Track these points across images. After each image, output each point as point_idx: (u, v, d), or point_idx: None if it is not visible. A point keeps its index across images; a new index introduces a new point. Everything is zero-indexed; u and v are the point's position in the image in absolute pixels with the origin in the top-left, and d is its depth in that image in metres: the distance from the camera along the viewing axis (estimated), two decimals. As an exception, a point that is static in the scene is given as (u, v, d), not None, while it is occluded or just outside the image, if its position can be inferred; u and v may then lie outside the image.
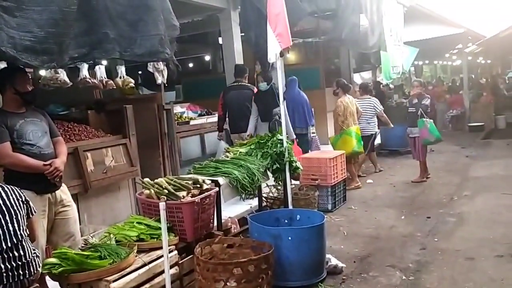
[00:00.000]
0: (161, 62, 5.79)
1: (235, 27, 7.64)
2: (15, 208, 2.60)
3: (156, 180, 3.82)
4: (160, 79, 5.85)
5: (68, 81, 4.68)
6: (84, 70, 4.91)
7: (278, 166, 4.60)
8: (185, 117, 6.67)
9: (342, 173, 6.18)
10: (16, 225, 2.55)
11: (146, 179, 3.88)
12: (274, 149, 4.62)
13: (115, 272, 2.83)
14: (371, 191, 6.94)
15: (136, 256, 3.08)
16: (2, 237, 2.48)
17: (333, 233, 4.97)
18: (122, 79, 5.42)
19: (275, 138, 4.74)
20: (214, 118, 7.06)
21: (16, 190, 2.70)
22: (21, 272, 2.55)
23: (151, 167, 5.90)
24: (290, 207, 4.70)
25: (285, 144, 4.66)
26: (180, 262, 3.42)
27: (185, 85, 12.65)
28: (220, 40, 13.04)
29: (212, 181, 3.98)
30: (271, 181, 5.13)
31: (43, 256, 3.13)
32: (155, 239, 3.39)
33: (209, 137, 6.85)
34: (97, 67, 5.16)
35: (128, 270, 2.93)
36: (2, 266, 2.48)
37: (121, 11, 3.80)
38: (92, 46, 3.58)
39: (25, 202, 2.70)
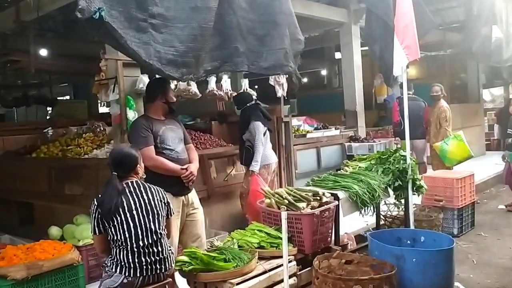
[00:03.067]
0: (282, 76, 5.98)
1: (355, 41, 7.58)
2: (158, 208, 2.82)
3: (276, 190, 3.89)
4: (280, 92, 6.02)
5: (198, 93, 5.01)
6: (212, 83, 5.24)
7: (400, 183, 4.39)
8: (302, 130, 6.72)
9: (471, 195, 5.67)
10: (156, 224, 2.77)
11: (267, 188, 3.97)
12: (397, 166, 4.42)
13: (238, 275, 2.92)
14: (504, 217, 6.25)
15: (257, 262, 3.15)
16: (144, 234, 2.71)
17: (460, 260, 4.55)
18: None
19: (397, 154, 4.54)
20: (331, 132, 7.02)
21: (161, 191, 2.92)
22: (158, 267, 2.76)
23: (267, 178, 6.05)
24: (412, 227, 4.44)
25: (408, 160, 4.43)
26: (298, 273, 3.41)
27: (300, 99, 12.79)
28: (337, 55, 13.09)
29: (332, 194, 3.93)
30: (389, 199, 4.91)
31: (176, 254, 3.36)
32: (275, 248, 3.43)
33: (325, 150, 6.82)
34: (223, 80, 5.47)
35: (250, 275, 3.00)
36: (143, 260, 2.70)
37: (250, 27, 3.99)
38: (224, 60, 3.81)
39: (166, 204, 2.92)
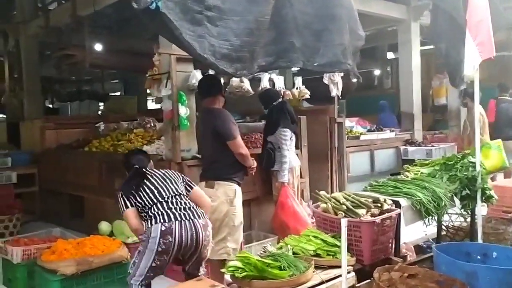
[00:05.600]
0: (337, 74, 5.72)
1: (415, 39, 7.18)
2: (173, 178, 3.15)
3: (333, 194, 3.66)
4: (334, 92, 5.74)
5: (251, 90, 4.84)
6: (265, 80, 5.05)
7: (469, 192, 4.03)
8: (355, 131, 6.41)
9: (545, 208, 5.16)
10: (175, 186, 3.08)
11: (323, 192, 3.74)
12: (465, 173, 4.06)
13: (294, 285, 2.72)
14: None
15: (314, 271, 2.93)
16: (166, 191, 3.02)
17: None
18: (298, 90, 5.45)
19: (465, 160, 4.17)
20: (386, 135, 6.67)
21: (175, 172, 3.28)
22: (190, 213, 2.96)
23: (318, 180, 5.80)
24: (480, 241, 4.06)
25: (477, 168, 4.06)
26: (357, 285, 3.17)
27: (349, 100, 12.38)
28: (388, 55, 12.56)
29: (393, 201, 3.65)
30: (452, 209, 4.54)
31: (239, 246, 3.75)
32: (331, 256, 3.21)
33: (379, 154, 6.48)
34: (276, 77, 5.27)
35: (307, 285, 2.80)
36: (172, 207, 2.94)
37: (307, 21, 3.76)
38: (278, 55, 3.60)
39: (183, 180, 3.22)
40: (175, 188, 3.08)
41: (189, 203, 3.04)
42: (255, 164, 3.84)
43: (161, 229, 2.81)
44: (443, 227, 4.75)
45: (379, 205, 3.49)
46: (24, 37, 7.46)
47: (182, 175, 3.27)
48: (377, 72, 12.96)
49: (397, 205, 3.65)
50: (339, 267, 3.08)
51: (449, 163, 4.23)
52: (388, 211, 3.50)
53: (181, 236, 2.85)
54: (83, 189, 5.86)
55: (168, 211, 2.91)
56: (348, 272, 3.07)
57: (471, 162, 4.14)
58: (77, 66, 8.08)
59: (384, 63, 12.86)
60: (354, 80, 4.98)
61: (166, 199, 2.98)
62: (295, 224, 4.37)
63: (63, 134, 6.86)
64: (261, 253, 3.15)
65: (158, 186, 3.04)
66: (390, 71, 11.64)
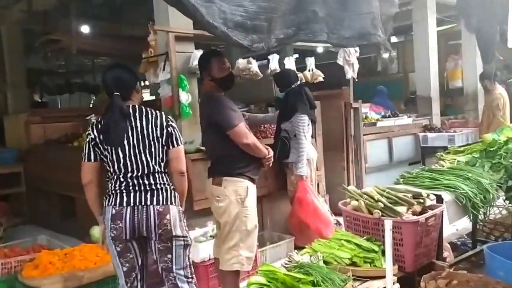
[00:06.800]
0: (352, 54, 5.16)
1: (431, 16, 6.63)
2: (153, 137, 2.46)
3: (364, 190, 3.13)
4: (350, 73, 5.19)
5: (260, 73, 4.27)
6: (275, 62, 4.47)
7: (515, 182, 3.51)
8: (371, 118, 5.88)
9: None
10: (148, 156, 2.44)
11: (351, 187, 3.22)
12: (510, 160, 3.55)
13: (333, 305, 2.19)
14: None
15: (352, 285, 2.41)
16: (134, 167, 2.43)
17: None
18: (311, 72, 4.89)
19: (510, 146, 3.65)
20: (403, 121, 6.15)
21: (163, 116, 2.51)
22: (149, 198, 2.42)
23: (332, 172, 5.27)
24: (528, 238, 3.56)
25: (525, 154, 3.55)
26: (402, 298, 2.65)
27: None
28: (393, 39, 11.97)
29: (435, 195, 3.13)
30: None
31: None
32: (369, 264, 2.69)
33: (397, 141, 5.95)
34: (286, 58, 4.69)
35: (348, 304, 2.27)
36: (131, 190, 2.42)
37: (331, -14, 3.22)
38: (299, 27, 3.04)
39: (169, 132, 2.51)
40: (148, 159, 2.44)
41: (155, 184, 2.45)
42: (271, 154, 3.11)
43: (111, 213, 2.40)
44: (480, 222, 4.24)
45: (421, 201, 2.97)
46: (6, 24, 6.86)
47: (171, 126, 2.52)
48: (385, 55, 12.30)
49: (439, 199, 3.13)
50: (380, 277, 2.59)
51: (491, 149, 3.71)
52: (431, 207, 2.98)
53: (132, 222, 2.39)
54: (74, 189, 5.24)
55: (124, 190, 2.42)
56: (393, 284, 2.56)
57: (518, 148, 3.62)
58: (63, 52, 7.45)
59: (377, 49, 12.27)
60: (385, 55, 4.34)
61: (128, 177, 2.43)
62: (316, 223, 3.85)
63: (51, 128, 6.27)
64: (286, 264, 2.63)
65: (127, 152, 2.42)
66: (397, 55, 11.05)
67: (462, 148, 4.08)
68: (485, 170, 3.58)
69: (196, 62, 3.81)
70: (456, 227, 4.55)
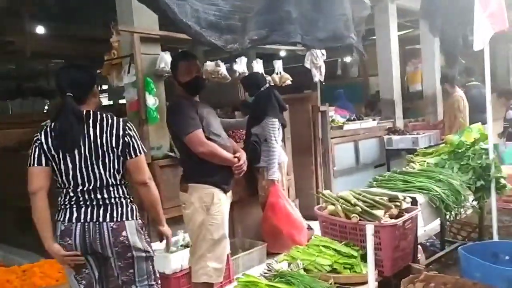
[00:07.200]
0: (319, 57, 5.16)
1: (393, 21, 6.76)
2: (108, 146, 2.25)
3: (340, 194, 3.07)
4: (317, 77, 5.18)
5: (228, 76, 4.16)
6: (243, 64, 4.38)
7: (483, 183, 3.58)
8: (337, 121, 5.89)
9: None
10: (101, 168, 2.24)
11: (327, 191, 3.16)
12: (478, 161, 3.61)
13: (318, 316, 2.11)
14: None
15: (335, 293, 2.34)
16: (85, 179, 2.24)
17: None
18: (279, 75, 4.83)
19: (477, 147, 3.73)
20: (368, 124, 6.22)
21: (121, 123, 2.30)
22: (102, 214, 2.24)
23: (301, 176, 5.23)
24: (496, 237, 3.64)
25: (491, 155, 3.62)
26: (383, 303, 2.61)
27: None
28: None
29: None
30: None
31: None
32: (348, 270, 2.63)
33: (363, 144, 6.00)
34: (254, 61, 4.62)
35: (333, 314, 2.19)
36: (82, 205, 2.24)
37: (305, -14, 3.16)
38: (272, 28, 2.95)
39: (125, 141, 2.29)
40: (101, 171, 2.24)
41: (108, 197, 2.26)
42: (241, 162, 2.96)
43: (60, 229, 2.23)
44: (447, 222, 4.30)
45: (398, 204, 2.95)
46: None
47: (128, 135, 2.29)
48: (343, 60, 12.51)
49: (413, 202, 3.13)
50: (362, 283, 2.53)
51: (459, 151, 3.77)
52: (407, 210, 2.97)
53: (83, 239, 2.22)
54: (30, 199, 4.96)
55: (74, 205, 2.24)
56: (375, 289, 2.51)
57: (483, 149, 3.70)
58: (17, 55, 7.02)
59: (349, 51, 12.49)
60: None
61: (79, 192, 2.23)
62: (289, 229, 3.78)
63: (1, 136, 5.88)
64: (266, 273, 2.52)
65: (77, 163, 2.21)
66: (359, 58, 11.25)
67: (430, 150, 4.13)
68: (454, 171, 3.62)
69: (163, 65, 3.68)
70: (423, 228, 4.62)
